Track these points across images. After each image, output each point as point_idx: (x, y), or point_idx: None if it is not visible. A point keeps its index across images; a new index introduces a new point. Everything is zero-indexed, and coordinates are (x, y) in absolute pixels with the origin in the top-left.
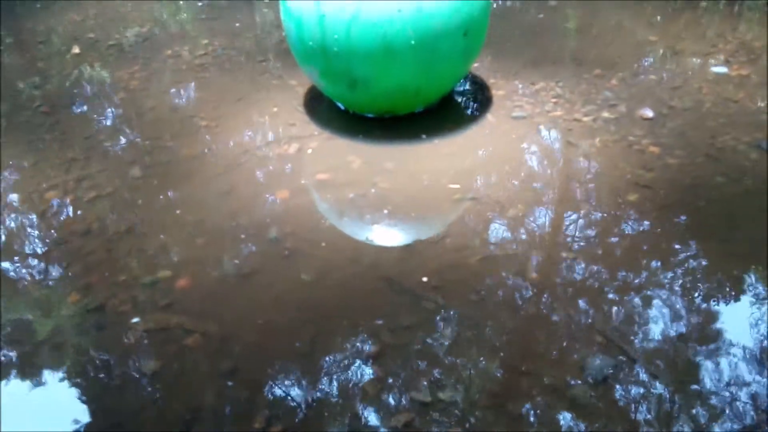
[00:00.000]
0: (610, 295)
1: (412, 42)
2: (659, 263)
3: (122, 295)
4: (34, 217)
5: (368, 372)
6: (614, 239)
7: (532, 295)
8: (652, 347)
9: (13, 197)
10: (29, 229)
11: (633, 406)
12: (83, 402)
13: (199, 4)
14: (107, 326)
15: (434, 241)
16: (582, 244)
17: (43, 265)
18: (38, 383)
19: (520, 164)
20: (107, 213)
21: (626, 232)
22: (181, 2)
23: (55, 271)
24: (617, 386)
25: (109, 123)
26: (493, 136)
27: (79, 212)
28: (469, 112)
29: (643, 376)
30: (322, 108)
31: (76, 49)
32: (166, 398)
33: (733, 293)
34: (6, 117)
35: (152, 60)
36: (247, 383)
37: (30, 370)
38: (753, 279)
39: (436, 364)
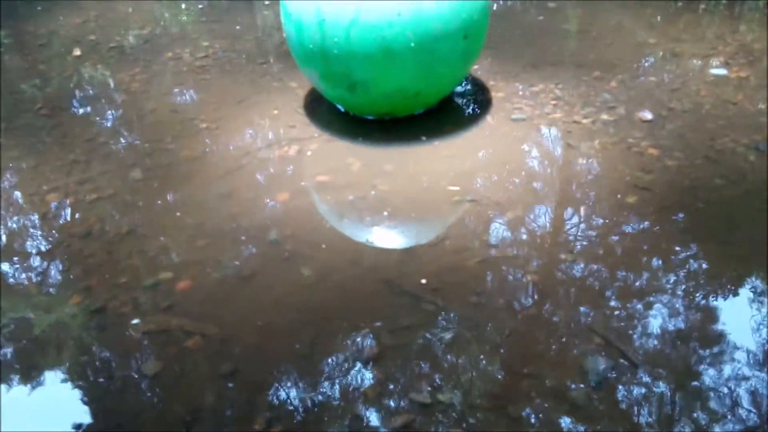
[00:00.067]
0: (610, 297)
1: (412, 44)
2: (659, 265)
3: (123, 297)
4: (35, 219)
5: (368, 373)
6: (613, 241)
7: (531, 297)
8: (652, 349)
9: (14, 199)
10: (30, 231)
11: (633, 408)
12: (84, 403)
13: (200, 6)
14: (108, 328)
15: (434, 243)
16: (581, 246)
17: (44, 266)
18: (38, 384)
19: (519, 166)
20: (108, 215)
21: (625, 233)
22: (182, 4)
23: (56, 273)
24: (617, 388)
25: (109, 125)
26: (493, 138)
27: (79, 214)
28: (468, 114)
29: (644, 378)
30: (322, 110)
31: (77, 51)
32: (166, 400)
33: (733, 294)
34: (7, 119)
35: (153, 62)
36: (248, 385)
37: (30, 371)
38: (752, 280)
39: (435, 366)
